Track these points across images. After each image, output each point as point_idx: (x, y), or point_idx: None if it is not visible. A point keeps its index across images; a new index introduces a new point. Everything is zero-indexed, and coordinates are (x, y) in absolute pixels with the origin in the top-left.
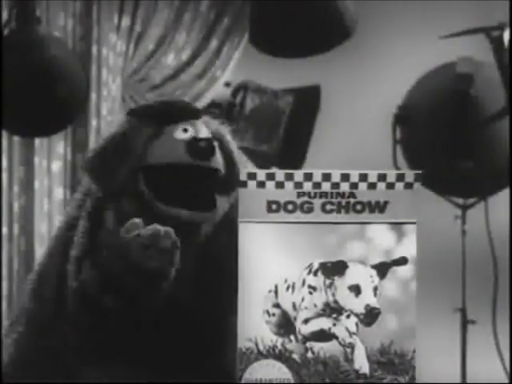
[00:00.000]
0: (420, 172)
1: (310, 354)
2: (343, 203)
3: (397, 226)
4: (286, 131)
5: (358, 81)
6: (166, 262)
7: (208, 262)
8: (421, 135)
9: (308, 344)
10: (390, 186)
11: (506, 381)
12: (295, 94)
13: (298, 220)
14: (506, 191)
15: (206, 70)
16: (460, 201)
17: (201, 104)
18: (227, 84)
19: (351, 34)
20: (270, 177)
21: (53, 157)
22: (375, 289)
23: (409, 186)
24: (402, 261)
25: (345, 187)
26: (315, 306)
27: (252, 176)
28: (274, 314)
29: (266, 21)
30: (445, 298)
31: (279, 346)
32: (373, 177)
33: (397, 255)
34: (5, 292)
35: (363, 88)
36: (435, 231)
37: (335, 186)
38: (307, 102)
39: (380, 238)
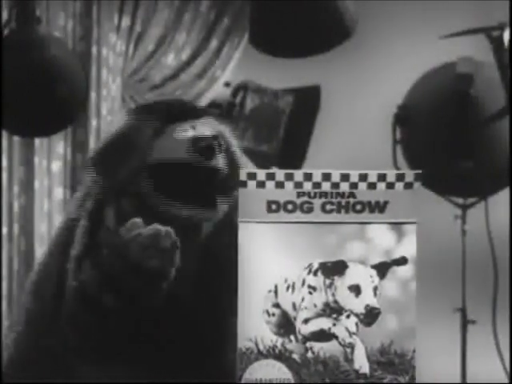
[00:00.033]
0: (420, 172)
1: (309, 354)
2: (343, 203)
3: (397, 225)
4: (286, 131)
5: (358, 81)
6: (166, 262)
7: (208, 261)
8: (421, 135)
9: (308, 344)
10: (390, 185)
11: (506, 381)
12: (295, 94)
13: (297, 220)
14: (506, 191)
15: (205, 70)
16: (460, 201)
17: (201, 104)
18: (227, 84)
19: (351, 34)
20: (270, 177)
21: (53, 157)
22: (375, 289)
23: (409, 185)
24: (402, 261)
25: (345, 187)
26: (315, 305)
27: (252, 176)
28: (273, 314)
29: (266, 21)
30: (445, 298)
31: (279, 346)
32: (373, 177)
33: (397, 255)
34: (5, 292)
35: (363, 88)
36: (435, 231)
37: (335, 185)
38: (307, 101)
39: (380, 238)
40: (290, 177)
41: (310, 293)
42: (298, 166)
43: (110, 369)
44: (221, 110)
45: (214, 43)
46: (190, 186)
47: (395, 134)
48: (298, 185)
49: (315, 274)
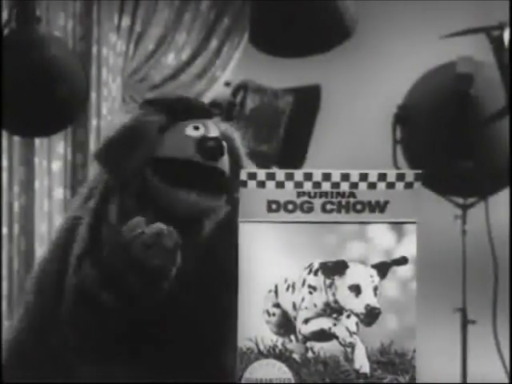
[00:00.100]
0: (420, 172)
1: (310, 354)
2: (343, 203)
3: (397, 225)
4: (286, 131)
5: (358, 81)
6: (168, 261)
7: (209, 261)
8: (421, 135)
9: (308, 344)
10: (390, 185)
11: (506, 381)
12: (295, 94)
13: (298, 220)
14: (506, 191)
15: (206, 70)
16: (460, 200)
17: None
18: (227, 84)
19: (351, 34)
20: (270, 176)
21: (53, 157)
22: (375, 289)
23: (409, 185)
24: (402, 261)
25: (345, 187)
26: (315, 305)
27: (252, 176)
28: (274, 314)
29: (266, 21)
30: (445, 298)
31: (279, 346)
32: (373, 176)
33: (397, 255)
34: (5, 292)
35: (363, 88)
36: (435, 231)
37: (335, 185)
38: (307, 101)
39: (380, 238)
40: (290, 177)
41: (311, 293)
42: (298, 166)
43: (109, 369)
44: (221, 110)
45: (214, 43)
46: (194, 181)
47: (395, 133)
48: (298, 184)
49: (315, 273)
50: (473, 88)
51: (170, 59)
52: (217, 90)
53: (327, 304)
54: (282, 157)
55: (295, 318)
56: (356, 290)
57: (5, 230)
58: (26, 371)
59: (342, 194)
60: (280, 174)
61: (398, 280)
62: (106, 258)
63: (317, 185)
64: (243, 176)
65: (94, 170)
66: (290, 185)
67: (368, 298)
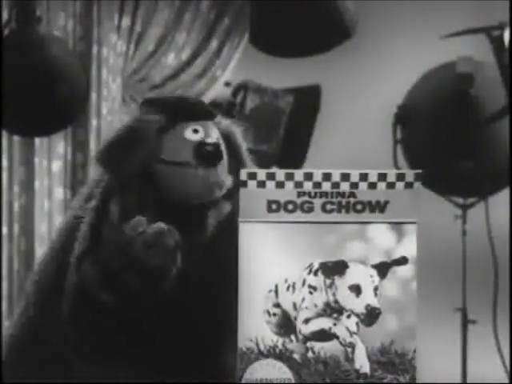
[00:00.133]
0: (420, 172)
1: (310, 354)
2: (343, 203)
3: (397, 225)
4: (286, 131)
5: (359, 81)
6: (169, 261)
7: (209, 261)
8: (421, 135)
9: (308, 344)
10: (391, 185)
11: (507, 381)
12: (295, 94)
13: (298, 220)
14: (506, 191)
15: (206, 70)
16: (460, 200)
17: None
18: (227, 84)
19: (351, 34)
20: (270, 176)
21: (53, 157)
22: (376, 289)
23: (409, 185)
24: (403, 261)
25: (345, 187)
26: (316, 305)
27: (252, 176)
28: (274, 314)
29: (266, 21)
30: (445, 298)
31: (280, 346)
32: (373, 176)
33: (397, 255)
34: (5, 292)
35: (363, 88)
36: (435, 231)
37: (335, 185)
38: (307, 101)
39: (380, 238)
40: (290, 176)
41: (311, 293)
42: (298, 166)
43: (109, 369)
44: (221, 110)
45: (214, 43)
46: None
47: (395, 133)
48: (299, 184)
49: (316, 273)
50: (473, 88)
51: (170, 59)
52: (217, 90)
53: (327, 304)
54: (282, 157)
55: (295, 318)
56: (356, 290)
57: (5, 230)
58: (26, 371)
59: (342, 194)
60: (280, 173)
61: (398, 280)
62: (107, 257)
63: (317, 185)
64: (243, 176)
65: (94, 170)
66: (290, 185)
67: (368, 298)
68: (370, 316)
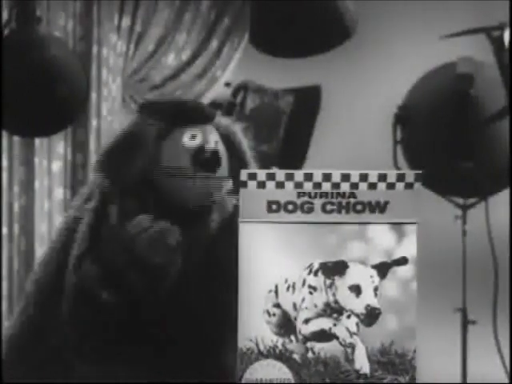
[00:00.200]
0: (420, 172)
1: (310, 354)
2: (343, 203)
3: (397, 226)
4: (286, 131)
5: (359, 81)
6: (171, 259)
7: (210, 261)
8: (421, 135)
9: (308, 344)
10: (391, 186)
11: (507, 381)
12: (295, 94)
13: (298, 220)
14: (506, 191)
15: (206, 70)
16: (460, 201)
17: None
18: (227, 84)
19: (351, 34)
20: (271, 177)
21: (53, 157)
22: (376, 289)
23: (409, 186)
24: (403, 261)
25: (345, 187)
26: (316, 306)
27: (252, 176)
28: (274, 314)
29: (266, 21)
30: (445, 298)
31: (280, 346)
32: (373, 177)
33: (397, 255)
34: (5, 292)
35: (363, 88)
36: (435, 231)
37: (335, 186)
38: (307, 102)
39: (380, 238)
40: (290, 177)
41: (311, 293)
42: (298, 167)
43: (109, 369)
44: (221, 110)
45: (214, 43)
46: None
47: (395, 134)
48: (299, 185)
49: (316, 274)
50: (473, 88)
51: (171, 59)
52: (217, 91)
53: (327, 304)
54: (283, 157)
55: (295, 319)
56: (356, 290)
57: (5, 230)
58: (26, 370)
59: (343, 195)
60: (280, 174)
61: (398, 280)
62: (109, 255)
63: (317, 185)
64: (243, 176)
65: (94, 170)
66: (290, 185)
67: (368, 299)
68: (370, 316)
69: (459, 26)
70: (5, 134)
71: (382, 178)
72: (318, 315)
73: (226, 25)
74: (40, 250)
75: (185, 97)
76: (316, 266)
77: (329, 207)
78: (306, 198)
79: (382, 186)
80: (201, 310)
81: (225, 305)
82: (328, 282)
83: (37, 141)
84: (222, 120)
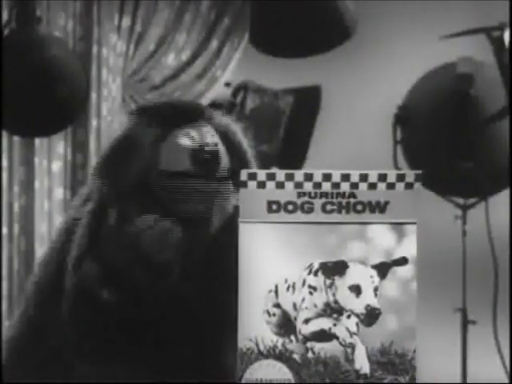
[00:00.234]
0: (420, 172)
1: (310, 354)
2: (343, 203)
3: (397, 226)
4: (286, 131)
5: (359, 81)
6: (175, 257)
7: (210, 261)
8: (421, 135)
9: (308, 344)
10: (391, 186)
11: (506, 381)
12: (295, 94)
13: (298, 220)
14: (506, 191)
15: (206, 70)
16: (460, 201)
17: (201, 103)
18: (227, 84)
19: (351, 34)
20: (271, 177)
21: (53, 157)
22: (376, 289)
23: (409, 186)
24: (402, 261)
25: (345, 187)
26: (315, 306)
27: (252, 176)
28: (274, 314)
29: (266, 21)
30: (445, 298)
31: (280, 346)
32: (373, 177)
33: (397, 255)
34: (5, 292)
35: (363, 88)
36: (435, 231)
37: (335, 186)
38: (307, 102)
39: (380, 238)
40: (290, 177)
41: (311, 293)
42: (298, 166)
43: (109, 369)
44: (221, 111)
45: (214, 43)
46: (196, 190)
47: (395, 134)
48: (299, 185)
49: (316, 274)
50: (473, 88)
51: (171, 59)
52: (217, 91)
53: (327, 304)
54: (283, 157)
55: (295, 319)
56: (356, 290)
57: (5, 230)
58: (26, 371)
59: (343, 195)
60: (280, 174)
61: (398, 280)
62: (109, 252)
63: (317, 185)
64: (243, 176)
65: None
66: (290, 185)
67: (368, 299)
68: (370, 316)
69: (459, 26)
70: (5, 134)
71: (382, 178)
72: (318, 315)
73: (226, 25)
74: (40, 250)
75: (184, 97)
76: (316, 266)
77: (329, 207)
78: (306, 198)
79: (382, 186)
80: (201, 309)
81: (225, 305)
82: (328, 282)
83: (37, 141)
84: (222, 119)
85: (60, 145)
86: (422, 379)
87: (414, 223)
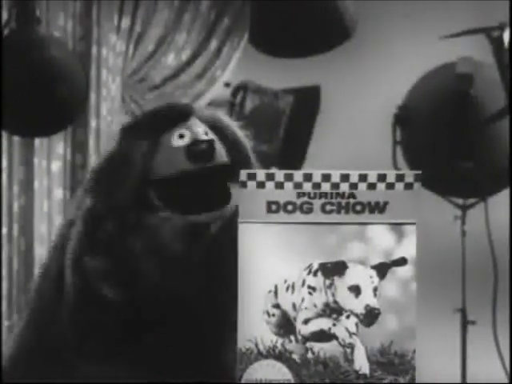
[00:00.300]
0: (420, 172)
1: (310, 355)
2: (343, 204)
3: (397, 226)
4: (286, 131)
5: (358, 81)
6: (191, 251)
7: (210, 261)
8: (421, 136)
9: (308, 344)
10: (390, 186)
11: (506, 381)
12: (295, 95)
13: (297, 220)
14: (506, 191)
15: (205, 70)
16: (460, 201)
17: (201, 104)
18: (227, 84)
19: (351, 34)
20: (270, 177)
21: (53, 157)
22: (375, 289)
23: (409, 186)
24: (402, 261)
25: (344, 188)
26: (315, 306)
27: (252, 176)
28: (273, 315)
29: (266, 21)
30: (445, 299)
31: (279, 347)
32: (373, 177)
33: (396, 256)
34: (5, 292)
35: (363, 88)
36: (435, 232)
37: (335, 186)
38: (307, 102)
39: (380, 239)
40: (289, 177)
41: (310, 293)
42: (297, 167)
43: (110, 368)
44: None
45: (214, 43)
46: (199, 191)
47: (395, 134)
48: (298, 185)
49: (315, 274)
50: (473, 88)
51: (170, 59)
52: (217, 91)
53: (327, 304)
54: (282, 157)
55: (295, 319)
56: (356, 290)
57: (5, 230)
58: (26, 371)
59: (342, 195)
60: (280, 174)
61: (398, 280)
62: (131, 243)
63: (316, 185)
64: (243, 176)
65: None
66: (289, 185)
67: (368, 299)
68: (370, 316)
69: (459, 26)
70: (5, 134)
71: (382, 178)
72: (318, 315)
73: (226, 25)
74: (40, 250)
75: (184, 97)
76: (315, 266)
77: (328, 207)
78: (305, 199)
79: (381, 186)
80: (200, 310)
81: (224, 305)
82: (327, 282)
83: (36, 141)
84: (213, 113)
85: (59, 145)
86: (422, 379)
87: (414, 223)
